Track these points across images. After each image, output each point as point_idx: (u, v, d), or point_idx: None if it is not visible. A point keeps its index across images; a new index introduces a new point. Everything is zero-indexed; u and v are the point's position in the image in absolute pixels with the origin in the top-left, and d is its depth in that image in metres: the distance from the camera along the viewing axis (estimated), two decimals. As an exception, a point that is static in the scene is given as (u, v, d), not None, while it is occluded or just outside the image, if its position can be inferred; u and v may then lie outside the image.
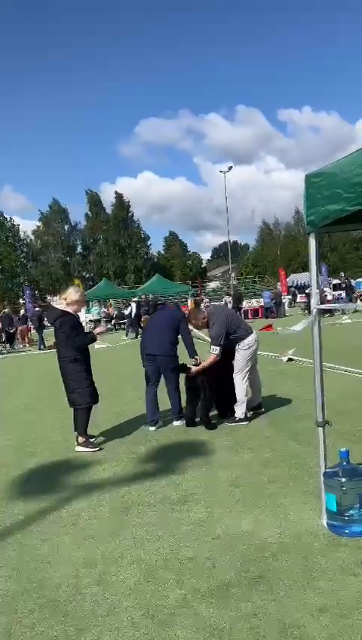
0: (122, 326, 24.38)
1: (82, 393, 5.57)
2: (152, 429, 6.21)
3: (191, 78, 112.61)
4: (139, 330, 21.74)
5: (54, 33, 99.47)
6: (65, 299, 5.62)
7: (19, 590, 2.98)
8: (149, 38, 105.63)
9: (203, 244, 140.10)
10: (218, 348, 5.97)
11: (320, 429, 3.44)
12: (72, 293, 5.64)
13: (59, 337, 5.61)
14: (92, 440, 5.77)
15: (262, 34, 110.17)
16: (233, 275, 51.84)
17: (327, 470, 3.40)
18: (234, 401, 6.20)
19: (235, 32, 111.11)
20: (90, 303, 30.91)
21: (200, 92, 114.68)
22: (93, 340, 5.78)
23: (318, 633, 2.37)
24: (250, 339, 6.17)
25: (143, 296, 26.43)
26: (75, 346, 5.50)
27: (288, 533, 3.35)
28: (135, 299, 24.56)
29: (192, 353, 6.34)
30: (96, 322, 26.43)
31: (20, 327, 23.21)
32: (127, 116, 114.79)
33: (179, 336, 6.27)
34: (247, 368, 6.19)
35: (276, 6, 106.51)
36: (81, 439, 5.69)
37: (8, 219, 60.34)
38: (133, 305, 22.09)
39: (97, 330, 6.05)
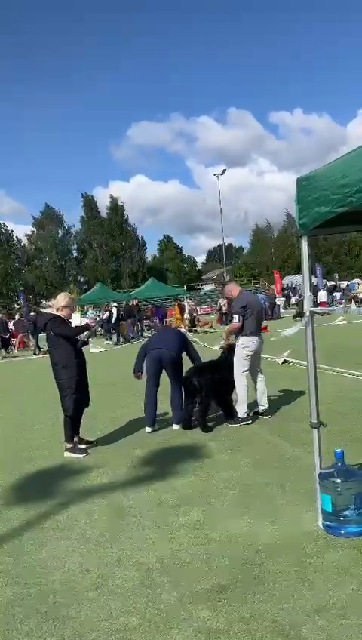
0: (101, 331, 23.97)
1: (70, 399, 5.56)
2: (149, 429, 6.22)
3: (182, 81, 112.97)
4: (121, 337, 21.60)
5: (42, 40, 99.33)
6: (55, 305, 5.68)
7: (15, 596, 2.97)
8: (139, 41, 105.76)
9: (197, 247, 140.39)
10: (237, 316, 6.22)
11: (315, 430, 3.46)
12: (61, 299, 5.68)
13: (50, 342, 5.63)
14: (82, 447, 5.77)
15: (251, 37, 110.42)
16: (228, 277, 51.91)
17: (322, 471, 3.41)
18: (232, 401, 6.30)
19: (225, 35, 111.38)
20: (85, 307, 30.89)
21: (190, 95, 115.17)
22: (86, 328, 5.83)
23: (315, 634, 2.38)
24: (247, 339, 6.20)
25: (125, 302, 26.11)
26: (66, 334, 5.49)
27: (284, 535, 3.36)
28: (114, 304, 24.29)
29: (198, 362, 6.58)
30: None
31: (22, 334, 23.26)
32: (118, 120, 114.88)
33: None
34: (244, 368, 6.22)
35: (267, 8, 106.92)
36: (68, 445, 5.70)
37: (2, 224, 60.24)
38: (114, 310, 21.82)
39: (88, 321, 6.06)
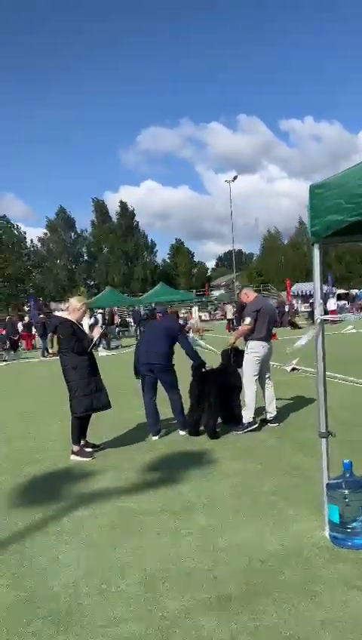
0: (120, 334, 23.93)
1: (78, 401, 5.56)
2: (155, 438, 6.20)
3: (191, 87, 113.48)
4: (103, 341, 21.33)
5: (51, 44, 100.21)
6: (68, 307, 5.77)
7: (18, 600, 2.96)
8: (149, 46, 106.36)
9: (205, 253, 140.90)
10: (249, 318, 6.19)
11: (324, 439, 3.43)
12: (74, 302, 5.77)
13: (60, 344, 5.69)
14: (88, 450, 5.77)
15: (260, 44, 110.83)
16: (237, 283, 51.88)
17: (330, 481, 3.38)
18: (239, 408, 6.27)
19: (234, 41, 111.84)
20: (94, 311, 30.96)
21: (199, 101, 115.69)
22: (91, 343, 5.73)
23: (320, 647, 2.35)
24: (256, 344, 6.18)
25: (108, 308, 25.99)
26: (74, 350, 5.52)
27: (290, 545, 3.33)
28: (99, 310, 24.18)
29: (197, 360, 6.36)
30: (92, 327, 26.29)
31: (30, 335, 23.42)
32: (128, 125, 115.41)
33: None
34: (253, 374, 6.20)
35: (276, 17, 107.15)
36: (75, 448, 5.70)
37: (16, 226, 60.68)
38: (99, 317, 21.65)
39: (93, 333, 6.00)
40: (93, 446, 5.92)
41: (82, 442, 5.78)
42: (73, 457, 5.64)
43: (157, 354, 6.11)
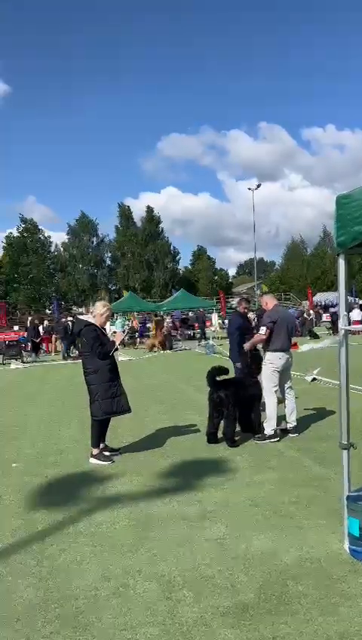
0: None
1: (99, 404, 5.62)
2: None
3: (211, 95, 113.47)
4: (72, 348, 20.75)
5: (74, 52, 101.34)
6: (91, 312, 5.86)
7: (38, 599, 3.00)
8: (169, 55, 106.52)
9: (224, 260, 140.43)
10: (264, 328, 6.21)
11: (345, 451, 3.40)
12: (99, 307, 5.87)
13: (83, 347, 5.77)
14: (107, 454, 5.81)
15: (280, 53, 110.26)
16: (258, 292, 51.63)
17: (351, 494, 3.35)
18: (259, 417, 6.23)
19: (254, 50, 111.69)
20: (115, 315, 31.16)
21: (220, 109, 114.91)
22: (113, 348, 5.76)
23: (338, 661, 2.33)
24: (273, 355, 6.16)
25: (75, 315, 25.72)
26: (98, 355, 5.60)
27: (309, 557, 3.30)
28: (70, 318, 24.04)
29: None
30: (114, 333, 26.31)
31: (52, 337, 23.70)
32: (149, 132, 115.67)
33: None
34: (273, 385, 6.17)
35: (297, 25, 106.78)
36: (94, 451, 5.75)
37: (41, 230, 61.52)
38: (70, 324, 21.43)
39: (116, 337, 6.05)
40: (112, 450, 5.96)
41: (101, 446, 5.82)
42: (92, 460, 5.69)
43: None
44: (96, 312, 5.82)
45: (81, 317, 6.05)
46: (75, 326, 6.06)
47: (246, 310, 8.57)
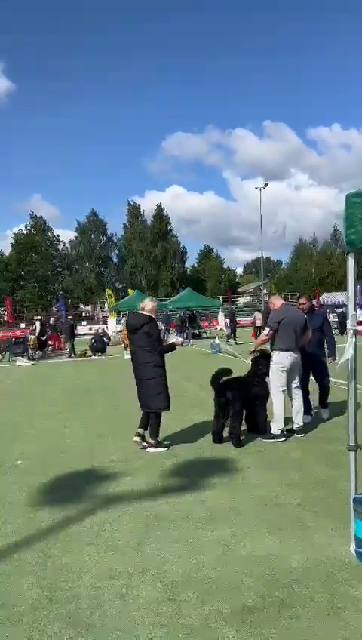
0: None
1: (160, 398, 5.85)
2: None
3: (216, 94, 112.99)
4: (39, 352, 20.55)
5: (80, 51, 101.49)
6: (143, 308, 6.05)
7: (41, 599, 2.98)
8: (173, 52, 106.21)
9: (231, 259, 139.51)
10: (268, 328, 6.29)
11: (352, 453, 3.36)
12: (151, 304, 6.09)
13: (142, 342, 5.87)
14: (164, 442, 6.12)
15: (285, 51, 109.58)
16: (264, 291, 51.52)
17: (357, 496, 3.30)
18: (265, 417, 6.23)
19: (259, 49, 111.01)
20: (122, 313, 31.17)
21: (225, 108, 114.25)
22: (173, 349, 6.37)
23: (344, 666, 2.29)
24: (280, 355, 6.12)
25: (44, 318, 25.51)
26: (157, 349, 5.85)
27: (314, 559, 3.26)
28: (38, 317, 23.88)
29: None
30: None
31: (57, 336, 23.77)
32: (153, 131, 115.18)
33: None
34: (278, 384, 6.13)
35: (301, 24, 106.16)
36: (152, 441, 5.97)
37: (49, 228, 61.67)
38: (37, 324, 21.29)
39: (176, 341, 6.46)
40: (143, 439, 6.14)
41: (140, 434, 6.03)
42: (151, 449, 5.93)
43: None
44: (147, 308, 6.00)
45: (140, 312, 6.06)
46: (134, 319, 5.99)
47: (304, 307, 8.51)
